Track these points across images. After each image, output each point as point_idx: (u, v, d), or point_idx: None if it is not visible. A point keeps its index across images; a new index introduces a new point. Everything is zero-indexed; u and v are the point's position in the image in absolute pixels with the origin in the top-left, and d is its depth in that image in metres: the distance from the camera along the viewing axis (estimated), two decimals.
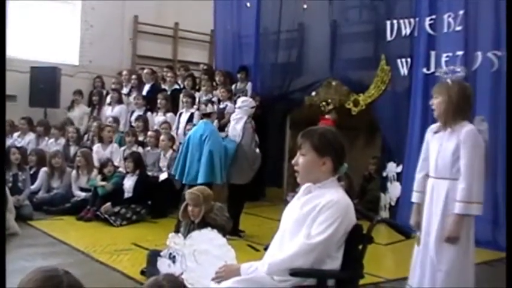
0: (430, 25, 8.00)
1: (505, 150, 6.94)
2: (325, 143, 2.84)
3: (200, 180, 6.91)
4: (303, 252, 2.71)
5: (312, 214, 2.76)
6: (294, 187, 3.17)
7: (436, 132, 4.08)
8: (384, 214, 8.60)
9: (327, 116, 9.39)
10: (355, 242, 2.81)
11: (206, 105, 7.57)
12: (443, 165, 3.95)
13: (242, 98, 8.09)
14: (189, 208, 4.89)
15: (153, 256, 4.61)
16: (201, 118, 7.79)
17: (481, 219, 5.78)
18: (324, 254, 2.73)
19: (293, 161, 2.90)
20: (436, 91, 4.08)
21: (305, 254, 2.71)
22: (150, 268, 4.74)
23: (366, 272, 3.01)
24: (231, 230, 7.03)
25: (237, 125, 7.49)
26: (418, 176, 4.24)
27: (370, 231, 2.89)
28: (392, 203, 8.41)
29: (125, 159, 8.49)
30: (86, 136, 10.22)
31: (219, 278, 2.95)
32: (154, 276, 4.11)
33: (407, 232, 3.02)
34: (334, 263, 2.77)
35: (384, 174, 8.67)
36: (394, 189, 8.37)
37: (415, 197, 4.25)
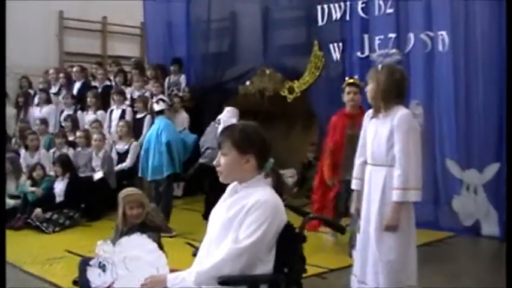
0: (362, 9, 7.99)
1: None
2: (246, 139, 2.65)
3: (165, 172, 7.26)
4: (230, 257, 2.52)
5: (239, 216, 2.57)
6: None
7: (372, 118, 4.00)
8: None
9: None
10: (288, 242, 2.62)
11: (157, 103, 7.75)
12: (379, 152, 3.88)
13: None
14: (133, 211, 4.62)
15: (85, 264, 4.35)
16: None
17: (421, 200, 5.80)
18: (254, 258, 2.54)
19: (215, 162, 2.71)
20: (367, 77, 4.02)
21: (233, 260, 2.51)
22: (82, 278, 4.49)
23: (309, 264, 2.85)
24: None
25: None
26: (357, 162, 4.16)
27: (303, 229, 2.73)
28: None
29: (54, 163, 8.18)
30: (13, 140, 9.79)
31: None
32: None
33: (341, 227, 2.89)
34: (265, 267, 2.58)
35: None
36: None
37: (354, 184, 4.18)
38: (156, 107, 7.72)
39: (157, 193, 7.52)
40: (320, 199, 6.58)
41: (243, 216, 2.56)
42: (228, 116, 7.77)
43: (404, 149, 3.75)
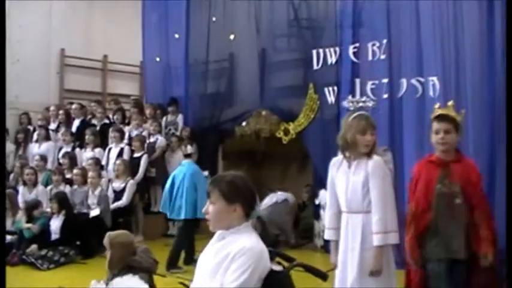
0: (354, 53, 8.13)
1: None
2: (233, 190, 2.78)
3: (183, 215, 7.41)
4: None
5: (225, 262, 2.69)
6: None
7: (339, 167, 4.06)
8: (319, 241, 8.65)
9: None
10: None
11: (186, 146, 8.12)
12: (354, 199, 3.94)
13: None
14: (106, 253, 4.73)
15: None
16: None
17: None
18: None
19: (203, 210, 2.83)
20: (374, 127, 4.00)
21: None
22: None
23: None
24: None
25: None
26: (329, 212, 4.17)
27: (287, 275, 2.83)
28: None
29: (50, 199, 8.27)
30: (11, 176, 9.87)
31: None
32: None
33: (323, 275, 2.98)
34: None
35: (317, 202, 8.69)
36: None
37: (330, 235, 4.16)
38: (186, 150, 8.00)
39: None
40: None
41: (229, 262, 2.68)
42: (283, 194, 8.37)
43: (381, 194, 3.85)
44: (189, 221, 7.49)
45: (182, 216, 7.43)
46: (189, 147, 8.05)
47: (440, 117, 4.11)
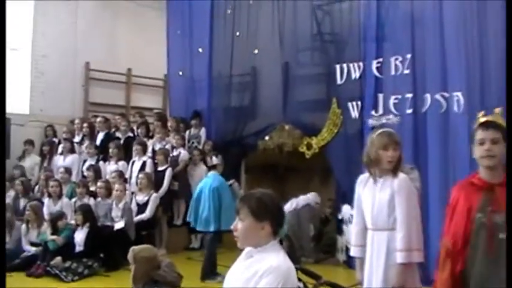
0: (377, 68, 8.11)
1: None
2: (262, 207, 2.78)
3: (212, 228, 7.48)
4: None
5: (253, 280, 2.69)
6: None
7: (366, 183, 4.07)
8: (341, 256, 8.61)
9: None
10: None
11: (211, 158, 8.24)
12: (380, 216, 3.95)
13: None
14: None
15: None
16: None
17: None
18: None
19: (232, 226, 2.84)
20: (397, 142, 4.00)
21: None
22: None
23: None
24: None
25: None
26: (356, 229, 4.19)
27: None
28: (349, 246, 8.36)
29: (75, 211, 8.33)
30: (37, 187, 9.97)
31: None
32: None
33: None
34: None
35: (340, 216, 8.66)
36: (350, 232, 8.33)
37: (356, 252, 4.18)
38: (211, 162, 8.13)
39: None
40: None
41: (257, 280, 2.68)
42: (304, 199, 8.80)
43: (406, 212, 3.85)
44: (217, 233, 7.58)
45: (211, 229, 7.48)
46: (214, 158, 8.11)
47: (486, 124, 3.16)
